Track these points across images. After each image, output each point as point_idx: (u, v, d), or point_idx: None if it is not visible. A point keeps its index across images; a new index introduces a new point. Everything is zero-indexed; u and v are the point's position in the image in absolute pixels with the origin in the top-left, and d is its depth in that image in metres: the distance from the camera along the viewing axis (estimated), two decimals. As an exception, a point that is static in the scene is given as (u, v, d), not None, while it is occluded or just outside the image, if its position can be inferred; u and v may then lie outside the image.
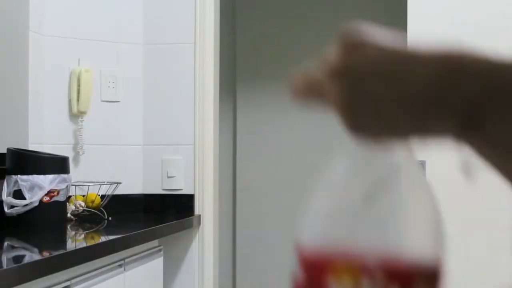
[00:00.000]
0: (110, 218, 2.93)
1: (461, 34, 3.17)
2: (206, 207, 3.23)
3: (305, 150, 4.79)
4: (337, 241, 0.60)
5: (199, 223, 3.20)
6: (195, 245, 3.20)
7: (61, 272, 1.95)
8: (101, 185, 3.03)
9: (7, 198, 2.61)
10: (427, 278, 0.58)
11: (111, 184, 3.05)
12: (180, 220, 3.05)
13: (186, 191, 3.21)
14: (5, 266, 1.88)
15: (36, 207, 2.58)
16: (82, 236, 2.64)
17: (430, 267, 0.59)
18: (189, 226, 3.12)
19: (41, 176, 2.59)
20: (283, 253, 4.78)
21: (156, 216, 3.16)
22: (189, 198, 3.20)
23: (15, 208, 2.59)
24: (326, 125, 4.77)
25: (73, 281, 2.09)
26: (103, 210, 2.96)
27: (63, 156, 2.78)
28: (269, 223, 4.82)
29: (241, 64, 4.91)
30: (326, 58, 0.65)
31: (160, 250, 2.85)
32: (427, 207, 0.61)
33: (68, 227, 2.71)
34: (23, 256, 2.23)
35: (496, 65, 0.59)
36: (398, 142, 0.61)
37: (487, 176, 0.69)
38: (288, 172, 4.80)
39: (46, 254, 2.15)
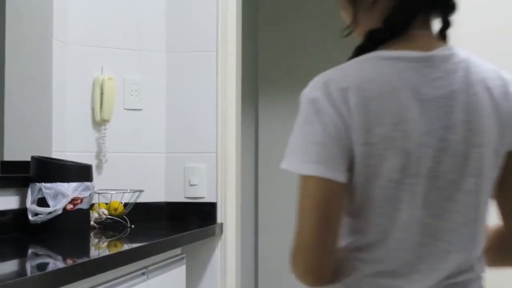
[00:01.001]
0: (133, 226, 2.94)
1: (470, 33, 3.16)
2: (229, 215, 3.23)
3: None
4: None
5: (221, 231, 3.19)
6: (217, 253, 3.19)
7: (84, 280, 1.96)
8: (124, 193, 3.04)
9: (31, 206, 2.62)
10: None
11: (134, 192, 3.05)
12: (203, 228, 3.05)
13: (208, 199, 3.21)
14: (29, 274, 1.89)
15: (59, 215, 2.59)
16: (105, 244, 2.64)
17: None
18: (212, 234, 3.12)
19: (65, 184, 2.60)
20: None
21: (179, 224, 3.17)
22: (212, 206, 3.20)
23: (39, 215, 2.60)
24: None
25: (97, 289, 2.10)
26: (126, 218, 2.97)
27: (87, 164, 2.79)
28: (291, 232, 4.80)
29: (263, 72, 4.91)
30: None
31: (182, 258, 2.85)
32: None
33: (91, 234, 2.72)
34: (47, 264, 2.24)
35: None
36: None
37: None
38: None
39: (69, 262, 2.16)
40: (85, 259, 2.17)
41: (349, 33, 1.45)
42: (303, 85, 4.31)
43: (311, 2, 4.84)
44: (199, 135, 3.24)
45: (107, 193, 3.02)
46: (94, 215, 2.87)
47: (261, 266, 4.88)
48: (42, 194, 2.61)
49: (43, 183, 2.62)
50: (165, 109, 3.26)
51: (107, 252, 2.44)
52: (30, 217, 2.62)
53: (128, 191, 3.06)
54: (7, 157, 2.98)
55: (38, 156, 2.74)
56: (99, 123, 3.14)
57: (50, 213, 2.58)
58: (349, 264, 1.32)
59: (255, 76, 4.89)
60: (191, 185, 3.22)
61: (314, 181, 1.26)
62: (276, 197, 4.83)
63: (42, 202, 2.61)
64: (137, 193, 3.05)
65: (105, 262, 2.17)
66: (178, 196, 3.24)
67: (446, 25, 1.36)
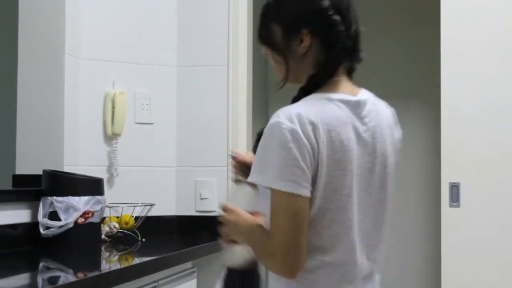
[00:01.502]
0: (143, 239, 2.94)
1: (493, 26, 3.16)
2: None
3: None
4: None
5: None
6: (228, 267, 3.18)
7: (95, 294, 1.96)
8: (135, 206, 3.05)
9: (42, 220, 2.63)
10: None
11: (144, 205, 3.06)
12: (214, 241, 3.03)
13: (219, 212, 3.21)
14: (40, 287, 1.89)
15: (71, 228, 2.60)
16: (116, 257, 2.65)
17: None
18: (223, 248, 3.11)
19: (76, 198, 2.61)
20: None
21: (189, 237, 3.17)
22: (222, 220, 3.19)
23: (51, 229, 2.61)
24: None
25: (108, 302, 2.10)
26: (137, 232, 2.97)
27: (98, 177, 2.80)
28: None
29: (274, 85, 4.91)
30: None
31: (193, 272, 2.85)
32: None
33: (103, 248, 2.72)
34: (58, 277, 2.24)
35: None
36: None
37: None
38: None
39: (80, 275, 2.16)
40: (96, 273, 2.18)
41: (283, 85, 1.79)
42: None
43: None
44: (210, 148, 3.24)
45: (118, 206, 3.02)
46: (105, 228, 2.88)
47: (272, 280, 4.87)
48: (54, 207, 2.62)
49: (54, 197, 2.63)
50: (176, 123, 3.27)
51: (118, 266, 2.45)
52: (41, 230, 2.63)
53: (139, 204, 3.07)
54: (19, 171, 2.99)
55: (49, 170, 2.75)
56: (110, 137, 3.15)
57: (61, 226, 2.59)
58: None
59: (265, 90, 4.90)
60: (202, 198, 3.23)
61: (290, 196, 1.55)
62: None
63: (54, 215, 2.62)
64: (148, 207, 3.06)
65: (116, 276, 2.17)
66: (189, 210, 3.24)
67: (352, 70, 1.75)
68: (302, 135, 1.55)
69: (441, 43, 3.19)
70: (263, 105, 4.84)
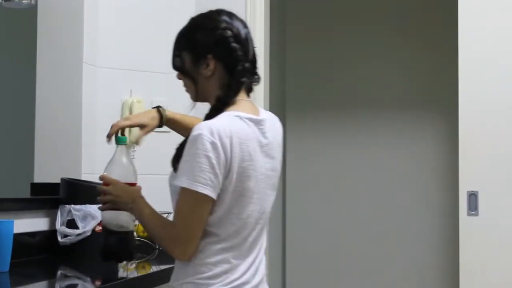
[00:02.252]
0: (161, 247, 2.94)
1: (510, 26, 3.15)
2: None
3: (356, 179, 4.76)
4: None
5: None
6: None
7: (113, 302, 1.97)
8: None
9: (60, 228, 2.64)
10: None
11: (162, 213, 3.06)
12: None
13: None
14: (58, 295, 1.90)
15: (88, 236, 2.61)
16: (134, 265, 2.65)
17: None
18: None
19: (94, 206, 2.62)
20: (334, 278, 4.74)
21: (207, 245, 3.16)
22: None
23: (69, 237, 2.62)
24: (375, 155, 4.75)
25: (125, 310, 2.10)
26: (154, 240, 2.97)
27: (115, 186, 2.80)
28: (317, 246, 4.79)
29: (291, 93, 4.92)
30: None
31: (210, 280, 2.84)
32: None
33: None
34: (75, 285, 2.25)
35: None
36: None
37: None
38: (339, 201, 4.77)
39: (98, 283, 2.17)
40: (113, 281, 2.18)
41: (194, 105, 2.13)
42: (331, 106, 4.29)
43: (337, 23, 4.85)
44: (227, 157, 3.24)
45: (136, 215, 3.02)
46: (122, 236, 2.88)
47: (289, 282, 4.87)
48: (72, 216, 2.63)
49: (72, 205, 2.64)
50: (193, 131, 3.27)
51: (135, 274, 2.45)
52: (59, 238, 2.64)
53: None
54: (37, 179, 3.01)
55: (67, 178, 2.76)
56: (127, 146, 3.15)
57: (79, 234, 2.60)
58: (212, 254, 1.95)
59: (282, 96, 4.90)
60: (219, 207, 3.22)
61: (203, 197, 1.87)
62: (302, 215, 4.82)
63: (72, 224, 2.63)
64: (165, 215, 3.06)
65: (134, 284, 2.18)
66: (206, 218, 3.23)
67: (251, 90, 2.04)
68: (220, 147, 1.86)
69: (458, 52, 3.17)
70: (280, 111, 4.85)
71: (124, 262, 2.65)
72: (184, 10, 3.32)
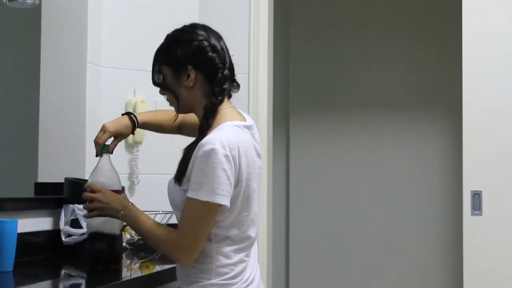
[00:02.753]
0: (158, 251, 2.94)
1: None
2: (260, 234, 3.23)
3: (358, 179, 4.76)
4: None
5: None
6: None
7: (116, 301, 1.97)
8: (156, 214, 3.05)
9: (64, 227, 2.64)
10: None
11: (165, 213, 3.06)
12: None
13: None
14: (62, 295, 1.90)
15: (92, 236, 2.60)
16: (137, 265, 2.66)
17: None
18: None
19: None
20: (337, 277, 4.74)
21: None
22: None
23: (72, 237, 2.63)
24: (378, 155, 4.75)
25: (128, 310, 2.10)
26: (158, 239, 2.97)
27: (119, 185, 2.80)
28: (321, 252, 4.79)
29: (295, 93, 4.92)
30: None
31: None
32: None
33: (124, 256, 2.73)
34: (79, 285, 2.26)
35: None
36: None
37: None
38: (342, 202, 4.77)
39: (101, 283, 2.17)
40: (116, 281, 2.19)
41: (177, 117, 2.32)
42: (333, 104, 4.29)
43: (340, 23, 4.85)
44: (231, 156, 3.24)
45: (139, 214, 3.02)
46: (126, 236, 2.88)
47: (292, 282, 4.86)
48: (75, 215, 2.64)
49: (76, 205, 2.64)
50: (196, 131, 3.27)
51: (138, 274, 2.45)
52: (63, 238, 2.64)
53: (160, 212, 3.07)
54: (40, 179, 3.01)
55: (71, 178, 2.77)
56: (131, 145, 3.16)
57: (82, 234, 2.61)
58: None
59: (286, 97, 4.90)
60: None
61: (217, 207, 1.97)
62: (308, 216, 4.82)
63: (75, 223, 2.64)
64: (169, 215, 3.06)
65: (137, 284, 2.18)
66: (209, 218, 3.24)
67: (230, 96, 2.14)
68: (231, 159, 1.96)
69: (462, 51, 3.17)
70: (283, 113, 4.85)
71: (128, 261, 2.66)
72: (187, 10, 3.33)
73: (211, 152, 1.94)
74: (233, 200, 2.00)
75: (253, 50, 3.28)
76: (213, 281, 2.02)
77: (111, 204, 2.13)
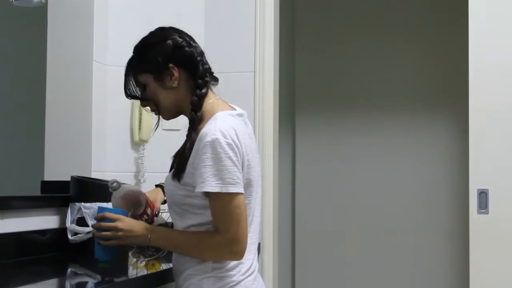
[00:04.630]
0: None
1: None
2: (266, 235, 3.22)
3: (365, 176, 4.75)
4: None
5: (259, 251, 3.18)
6: (254, 273, 3.18)
7: (122, 299, 1.97)
8: (161, 212, 3.05)
9: (70, 225, 2.65)
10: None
11: (171, 211, 3.06)
12: (240, 248, 3.03)
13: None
14: (68, 293, 1.91)
15: (98, 234, 2.60)
16: (144, 263, 2.66)
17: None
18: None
19: (104, 204, 2.62)
20: (342, 273, 4.74)
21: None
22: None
23: (79, 235, 2.63)
24: (385, 152, 4.74)
25: (134, 308, 2.10)
26: (164, 238, 2.97)
27: (125, 184, 2.80)
28: (328, 253, 4.78)
29: (300, 92, 4.92)
30: None
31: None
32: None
33: (130, 254, 2.73)
34: (85, 283, 2.26)
35: None
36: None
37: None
38: (348, 202, 4.77)
39: (107, 281, 2.17)
40: (123, 278, 2.19)
41: (166, 118, 2.21)
42: (340, 101, 4.28)
43: (348, 20, 4.84)
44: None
45: (145, 212, 3.02)
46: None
47: (298, 286, 4.86)
48: (82, 213, 2.64)
49: (82, 203, 2.64)
50: (202, 129, 3.27)
51: (145, 272, 2.45)
52: (69, 236, 2.65)
53: (166, 210, 3.07)
54: (47, 177, 3.02)
55: (77, 176, 2.77)
56: (137, 144, 3.16)
57: (89, 232, 2.61)
58: None
59: (292, 95, 4.90)
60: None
61: (239, 196, 1.97)
62: (313, 217, 4.81)
63: (82, 221, 2.64)
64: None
65: (143, 282, 2.18)
66: (215, 216, 3.24)
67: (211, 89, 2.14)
68: (235, 146, 1.96)
69: (469, 50, 3.16)
70: (289, 111, 4.84)
71: (134, 259, 2.67)
72: (193, 9, 3.33)
73: (214, 142, 1.93)
74: None
75: (259, 48, 3.27)
76: (208, 274, 2.01)
77: (135, 230, 2.08)
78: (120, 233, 2.06)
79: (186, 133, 2.13)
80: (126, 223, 2.08)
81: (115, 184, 2.20)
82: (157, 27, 2.20)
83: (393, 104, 4.74)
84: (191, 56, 2.10)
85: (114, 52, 3.12)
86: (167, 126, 3.23)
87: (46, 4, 3.14)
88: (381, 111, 4.75)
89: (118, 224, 2.07)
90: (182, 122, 3.21)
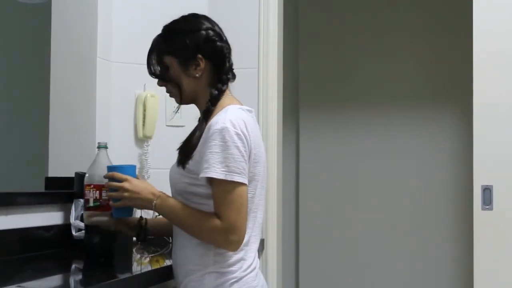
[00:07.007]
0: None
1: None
2: (270, 232, 3.23)
3: (370, 174, 4.75)
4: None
5: (262, 247, 3.19)
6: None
7: (126, 295, 1.97)
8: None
9: (74, 222, 2.65)
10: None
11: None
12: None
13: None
14: (72, 289, 1.91)
15: (102, 230, 2.61)
16: (147, 259, 2.66)
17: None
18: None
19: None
20: (347, 278, 4.74)
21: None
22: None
23: (83, 231, 2.63)
24: (389, 149, 4.73)
25: (139, 304, 2.11)
26: (168, 234, 2.97)
27: (129, 180, 2.80)
28: (333, 249, 4.78)
29: (304, 88, 4.91)
30: None
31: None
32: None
33: (134, 250, 2.73)
34: (89, 279, 2.26)
35: None
36: None
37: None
38: (352, 197, 4.77)
39: (112, 277, 2.17)
40: (127, 275, 2.19)
41: (178, 108, 2.26)
42: (343, 98, 4.28)
43: (351, 17, 4.84)
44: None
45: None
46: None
47: (302, 282, 4.86)
48: (86, 210, 2.64)
49: (86, 199, 2.64)
50: (206, 125, 3.27)
51: (149, 268, 2.46)
52: (73, 232, 2.65)
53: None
54: (51, 173, 3.02)
55: (81, 172, 2.77)
56: (141, 140, 3.17)
57: (93, 228, 2.61)
58: None
59: (296, 92, 4.90)
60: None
61: (243, 187, 1.97)
62: (317, 213, 4.81)
63: (86, 217, 2.64)
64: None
65: (147, 278, 2.18)
66: (219, 212, 3.24)
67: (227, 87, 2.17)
68: (243, 137, 1.97)
69: (473, 46, 3.15)
70: (293, 107, 4.84)
71: (138, 256, 2.67)
72: (197, 4, 3.32)
73: (223, 130, 1.95)
74: None
75: (263, 45, 3.27)
76: (210, 269, 2.01)
77: (141, 193, 2.06)
78: (126, 193, 2.06)
79: (192, 127, 2.14)
80: (133, 184, 2.07)
81: None
82: (190, 13, 2.22)
83: (396, 100, 4.73)
84: (221, 51, 2.14)
85: (118, 48, 3.12)
86: (171, 123, 3.24)
87: (50, 0, 3.14)
88: (385, 107, 4.75)
89: (124, 185, 2.07)
90: (186, 118, 3.23)
